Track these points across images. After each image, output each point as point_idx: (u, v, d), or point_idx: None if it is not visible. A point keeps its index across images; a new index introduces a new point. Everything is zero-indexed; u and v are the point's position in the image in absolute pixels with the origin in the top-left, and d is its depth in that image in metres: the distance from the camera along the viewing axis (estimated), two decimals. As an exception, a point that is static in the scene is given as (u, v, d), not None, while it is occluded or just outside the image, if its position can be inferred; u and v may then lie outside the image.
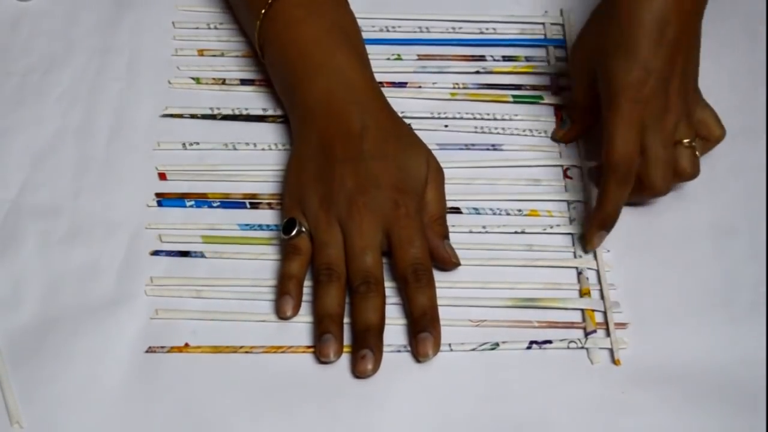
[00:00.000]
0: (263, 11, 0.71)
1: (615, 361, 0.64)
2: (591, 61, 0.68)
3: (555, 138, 0.73)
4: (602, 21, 0.67)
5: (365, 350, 0.62)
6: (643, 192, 0.67)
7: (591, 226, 0.67)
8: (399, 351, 0.64)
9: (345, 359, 0.63)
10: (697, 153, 0.67)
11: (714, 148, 0.70)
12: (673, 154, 0.66)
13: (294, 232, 0.65)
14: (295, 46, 0.70)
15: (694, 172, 0.67)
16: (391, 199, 0.65)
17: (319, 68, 0.69)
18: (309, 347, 0.64)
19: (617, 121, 0.64)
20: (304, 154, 0.68)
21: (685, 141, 0.66)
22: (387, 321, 0.64)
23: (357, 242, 0.64)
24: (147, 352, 0.63)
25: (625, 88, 0.64)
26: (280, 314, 0.64)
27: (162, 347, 0.64)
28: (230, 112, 0.74)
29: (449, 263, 0.66)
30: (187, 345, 0.64)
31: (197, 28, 0.79)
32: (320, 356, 0.63)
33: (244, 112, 0.74)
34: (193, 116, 0.74)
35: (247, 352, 0.64)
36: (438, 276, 0.66)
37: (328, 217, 0.65)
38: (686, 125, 0.66)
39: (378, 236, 0.65)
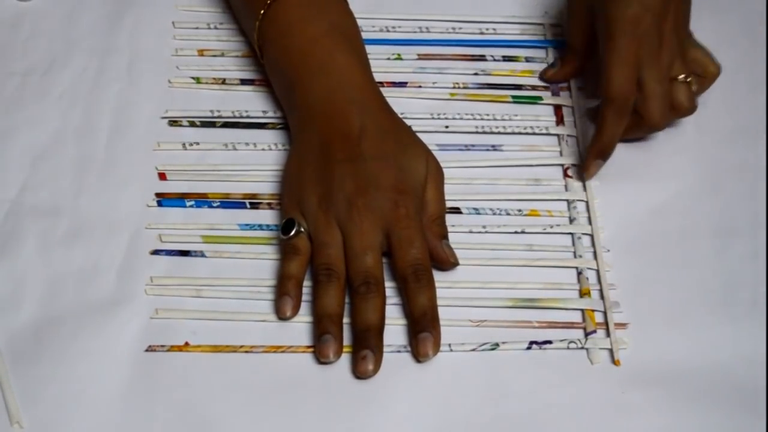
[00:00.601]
0: (262, 11, 0.71)
1: (615, 362, 0.64)
2: (589, 2, 0.70)
3: (543, 77, 0.76)
4: None
5: (366, 351, 0.62)
6: (641, 126, 0.70)
7: (589, 155, 0.70)
8: (399, 351, 0.64)
9: (345, 359, 0.63)
10: (693, 88, 0.70)
11: (710, 86, 0.72)
12: (669, 89, 0.69)
13: (293, 233, 0.65)
14: (295, 46, 0.70)
15: (690, 107, 0.70)
16: (390, 199, 0.65)
17: (319, 69, 0.69)
18: (309, 347, 0.64)
19: (614, 55, 0.67)
20: (303, 154, 0.68)
21: (680, 77, 0.69)
22: (387, 321, 0.64)
23: (357, 243, 0.64)
24: (147, 351, 0.63)
25: (622, 23, 0.67)
26: (280, 314, 0.64)
27: (162, 346, 0.64)
28: (230, 115, 0.74)
29: (447, 263, 0.66)
30: (187, 344, 0.64)
31: (197, 28, 0.79)
32: (320, 356, 0.63)
33: (245, 114, 0.74)
34: (192, 124, 0.74)
35: (247, 352, 0.64)
36: (438, 276, 0.66)
37: (327, 218, 0.65)
38: (681, 63, 0.69)
39: (378, 237, 0.65)
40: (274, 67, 0.72)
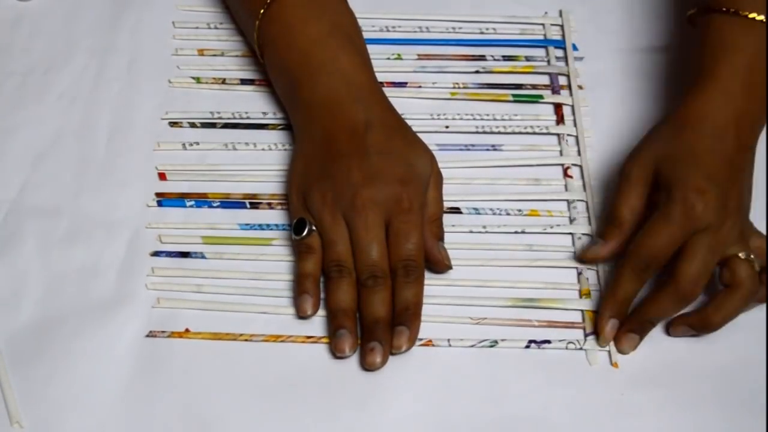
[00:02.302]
0: (262, 11, 0.71)
1: (613, 364, 0.64)
2: (656, 165, 0.65)
3: (584, 259, 0.67)
4: (669, 130, 0.66)
5: (374, 343, 0.63)
6: (668, 290, 0.63)
7: (603, 312, 0.64)
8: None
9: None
10: (756, 268, 0.64)
11: None
12: (714, 261, 0.63)
13: (305, 232, 0.65)
14: (297, 46, 0.70)
15: (751, 284, 0.64)
16: (395, 192, 0.65)
17: (322, 68, 0.69)
18: (309, 337, 0.64)
19: (668, 216, 0.63)
20: (307, 151, 0.68)
21: (741, 254, 0.64)
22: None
23: (363, 236, 0.65)
24: (147, 336, 0.64)
25: (687, 190, 0.63)
26: (301, 313, 0.65)
27: (162, 332, 0.64)
28: (230, 116, 0.74)
29: (441, 265, 0.66)
30: (187, 330, 0.64)
31: (197, 27, 0.79)
32: (336, 351, 0.63)
33: (245, 116, 0.74)
34: (192, 125, 0.74)
35: (247, 340, 0.64)
36: (438, 274, 0.67)
37: (333, 213, 0.65)
38: (741, 244, 0.64)
39: (383, 229, 0.65)
40: (276, 67, 0.72)
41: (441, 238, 0.67)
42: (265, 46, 0.72)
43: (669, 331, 0.65)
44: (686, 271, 0.62)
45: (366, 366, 0.63)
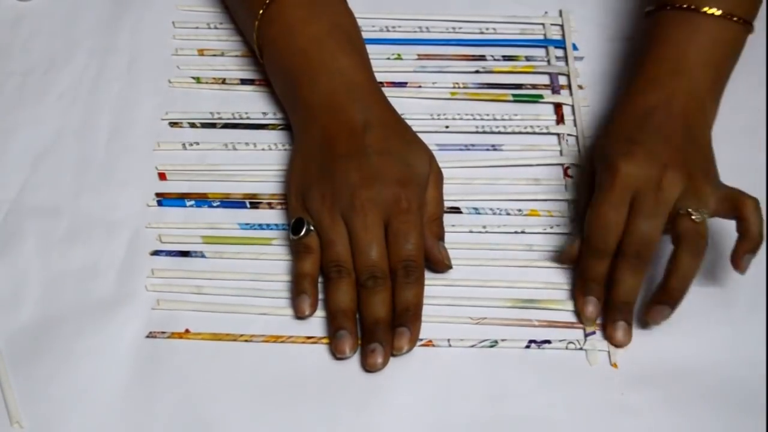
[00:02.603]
0: (261, 12, 0.71)
1: (612, 364, 0.64)
2: (593, 161, 0.68)
3: (563, 260, 0.68)
4: (603, 130, 0.70)
5: (375, 344, 0.63)
6: (622, 262, 0.64)
7: (577, 295, 0.66)
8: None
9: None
10: (697, 220, 0.63)
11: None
12: (659, 217, 0.63)
13: (303, 232, 0.65)
14: (296, 46, 0.70)
15: (692, 239, 0.63)
16: (394, 192, 0.65)
17: (321, 69, 0.69)
18: (309, 338, 0.64)
19: (602, 188, 0.64)
20: (306, 151, 0.68)
21: (690, 209, 0.64)
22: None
23: (362, 237, 0.64)
24: (148, 337, 0.64)
25: (612, 157, 0.65)
26: (299, 313, 0.65)
27: (163, 332, 0.64)
28: (230, 116, 0.74)
29: (442, 265, 0.67)
30: (187, 331, 0.64)
31: (197, 27, 0.79)
32: (336, 352, 0.63)
33: (245, 116, 0.74)
34: (192, 125, 0.74)
35: (247, 341, 0.64)
36: (439, 274, 0.67)
37: (332, 213, 0.65)
38: (694, 201, 0.64)
39: (382, 229, 0.65)
40: (275, 68, 0.72)
41: (441, 238, 0.67)
42: (265, 47, 0.72)
43: (647, 320, 0.64)
44: (633, 232, 0.63)
45: (367, 367, 0.63)
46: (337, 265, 0.65)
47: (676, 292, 0.63)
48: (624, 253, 0.64)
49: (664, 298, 0.63)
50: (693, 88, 0.68)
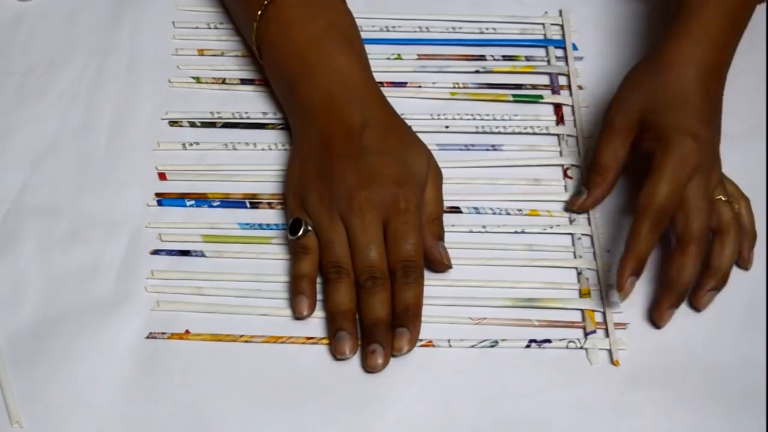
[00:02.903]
0: (259, 13, 0.71)
1: (614, 362, 0.64)
2: (642, 112, 0.66)
3: (572, 209, 0.70)
4: (652, 74, 0.67)
5: (375, 345, 0.62)
6: (686, 249, 0.63)
7: (623, 270, 0.63)
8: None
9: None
10: (735, 208, 0.66)
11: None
12: (709, 206, 0.65)
13: (301, 232, 0.65)
14: (294, 46, 0.70)
15: (736, 227, 0.66)
16: (391, 192, 0.65)
17: (319, 68, 0.69)
18: (309, 338, 0.64)
19: (668, 164, 0.63)
20: (304, 152, 0.68)
21: (722, 197, 0.66)
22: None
23: (360, 238, 0.64)
24: (147, 338, 0.64)
25: (682, 136, 0.64)
26: (297, 314, 0.65)
27: (162, 333, 0.64)
28: (230, 116, 0.74)
29: (441, 265, 0.66)
30: (187, 332, 0.64)
31: (197, 27, 0.79)
32: (336, 354, 0.63)
33: (245, 116, 0.74)
34: (192, 125, 0.74)
35: (247, 342, 0.64)
36: (438, 275, 0.67)
37: (330, 214, 0.65)
38: (722, 188, 0.67)
39: (381, 230, 0.65)
40: (274, 68, 0.72)
41: (441, 238, 0.67)
42: (263, 48, 0.72)
43: (698, 307, 0.65)
44: (693, 225, 0.63)
45: (368, 368, 0.63)
46: (336, 265, 0.65)
47: (723, 271, 0.65)
48: (684, 243, 0.63)
49: (719, 284, 0.65)
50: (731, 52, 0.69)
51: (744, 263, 0.67)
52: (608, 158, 0.68)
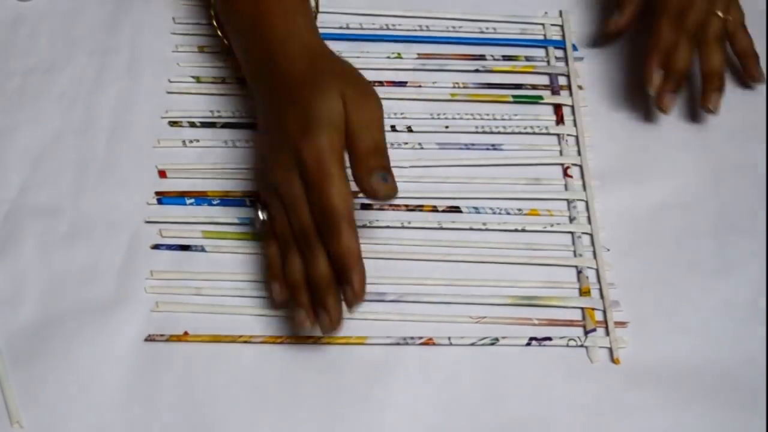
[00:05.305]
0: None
1: (614, 360, 0.64)
2: None
3: (608, 32, 0.77)
4: None
5: (320, 308, 0.61)
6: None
7: (649, 62, 0.72)
8: (398, 344, 0.64)
9: (340, 352, 0.64)
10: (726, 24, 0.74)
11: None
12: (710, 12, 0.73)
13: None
14: (237, 23, 0.69)
15: (716, 44, 0.73)
16: (295, 152, 0.60)
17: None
18: (309, 338, 0.64)
19: None
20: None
21: (721, 14, 0.73)
22: (384, 316, 0.65)
23: (288, 205, 0.62)
24: (146, 340, 0.64)
25: None
26: (299, 326, 0.62)
27: (161, 335, 0.64)
28: (230, 115, 0.74)
29: (376, 196, 0.61)
30: (186, 333, 0.64)
31: (197, 26, 0.79)
32: (299, 325, 0.62)
33: (245, 115, 0.74)
34: (192, 125, 0.74)
35: (246, 342, 0.64)
36: (438, 274, 0.67)
37: (266, 192, 0.64)
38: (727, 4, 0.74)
39: (301, 192, 0.61)
40: (241, 61, 0.70)
41: (382, 168, 0.61)
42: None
43: (710, 108, 0.72)
44: (690, 17, 0.72)
45: (323, 331, 0.61)
46: (283, 238, 0.63)
47: (722, 77, 0.73)
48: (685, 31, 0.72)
49: (718, 84, 0.72)
50: None
51: (751, 75, 0.75)
52: None
